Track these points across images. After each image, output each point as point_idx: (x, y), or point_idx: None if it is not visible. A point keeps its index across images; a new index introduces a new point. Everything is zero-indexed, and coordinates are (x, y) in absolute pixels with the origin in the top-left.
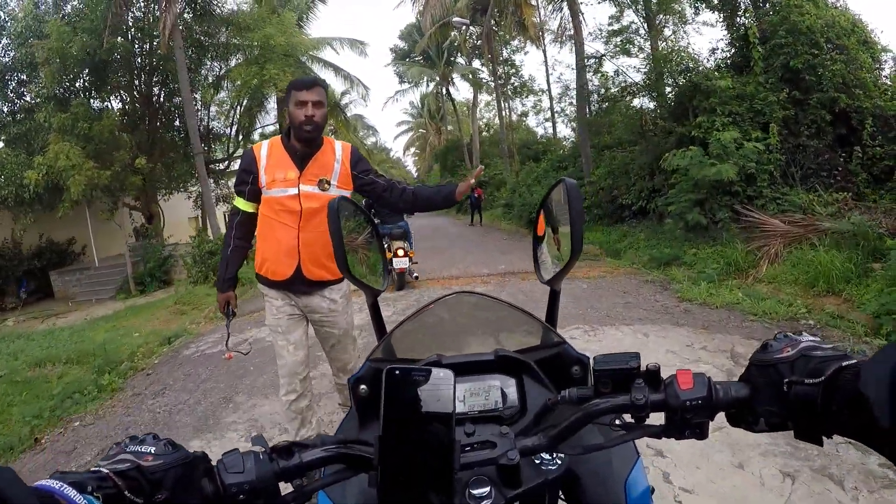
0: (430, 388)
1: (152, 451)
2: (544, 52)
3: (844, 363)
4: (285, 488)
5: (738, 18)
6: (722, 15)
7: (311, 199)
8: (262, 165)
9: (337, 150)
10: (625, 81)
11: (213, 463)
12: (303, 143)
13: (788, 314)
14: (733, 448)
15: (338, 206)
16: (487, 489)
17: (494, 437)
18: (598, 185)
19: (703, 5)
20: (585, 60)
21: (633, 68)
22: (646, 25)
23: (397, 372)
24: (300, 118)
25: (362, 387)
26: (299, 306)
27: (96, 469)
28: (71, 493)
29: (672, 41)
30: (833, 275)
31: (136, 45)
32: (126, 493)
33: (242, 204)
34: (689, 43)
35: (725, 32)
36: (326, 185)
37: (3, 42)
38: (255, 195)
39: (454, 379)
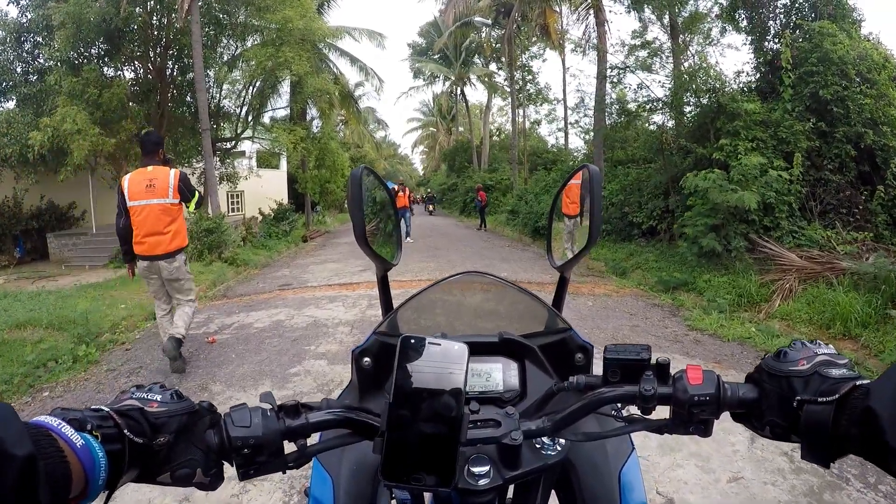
0: (443, 360)
1: (157, 399)
2: (563, 61)
3: (858, 382)
4: (288, 447)
5: (767, 43)
6: (750, 38)
7: None
8: None
9: None
10: (648, 96)
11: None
12: None
13: None
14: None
15: (361, 174)
16: (487, 468)
17: (499, 416)
18: (609, 201)
19: (731, 27)
20: (609, 70)
21: (657, 83)
22: (670, 43)
23: (413, 341)
24: None
25: (366, 359)
26: None
27: (98, 408)
28: (69, 431)
29: (700, 57)
30: (851, 318)
31: (154, 17)
32: (126, 431)
33: None
34: (716, 62)
35: (752, 56)
36: None
37: (21, 3)
38: None
39: (468, 353)
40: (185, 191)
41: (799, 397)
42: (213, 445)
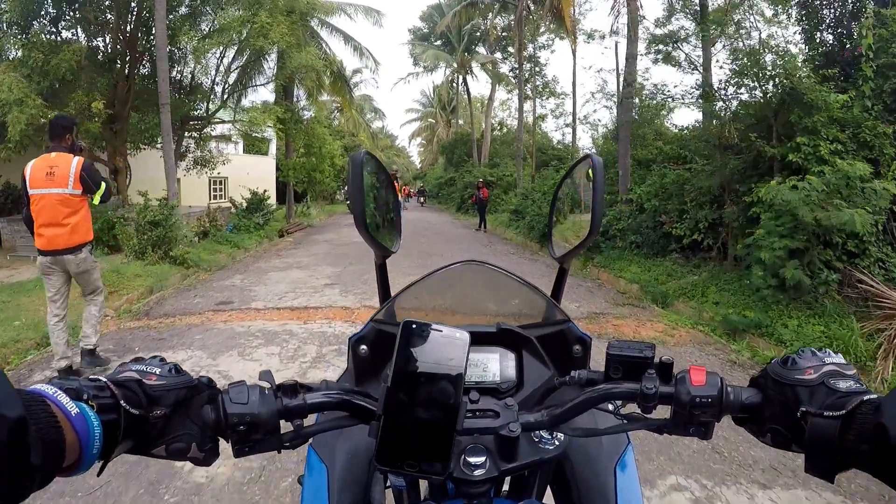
0: (444, 346)
1: (156, 372)
2: (574, 52)
3: (866, 397)
4: (285, 427)
5: (819, 34)
6: (801, 28)
7: None
8: None
9: None
10: (697, 80)
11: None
12: None
13: None
14: None
15: (362, 159)
16: (483, 458)
17: (498, 407)
18: (638, 206)
19: (784, 13)
20: (653, 47)
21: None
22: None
23: (415, 325)
24: None
25: (363, 347)
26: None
27: (95, 378)
28: (64, 399)
29: (770, 35)
30: None
31: None
32: (122, 402)
33: None
34: (785, 40)
35: (804, 47)
36: None
37: None
38: None
39: (469, 341)
40: (88, 181)
41: (804, 408)
42: (209, 421)
